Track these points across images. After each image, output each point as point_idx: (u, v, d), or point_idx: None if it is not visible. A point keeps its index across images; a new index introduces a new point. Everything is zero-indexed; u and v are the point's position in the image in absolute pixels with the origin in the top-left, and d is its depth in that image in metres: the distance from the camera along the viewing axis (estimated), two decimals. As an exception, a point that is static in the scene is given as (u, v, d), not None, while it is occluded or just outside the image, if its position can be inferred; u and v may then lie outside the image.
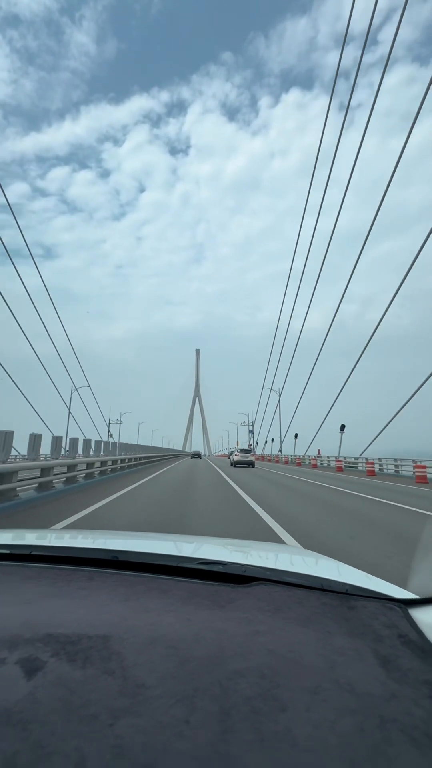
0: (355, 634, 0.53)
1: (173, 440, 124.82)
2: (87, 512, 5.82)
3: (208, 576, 0.73)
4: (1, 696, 0.39)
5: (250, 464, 24.31)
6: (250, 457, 24.61)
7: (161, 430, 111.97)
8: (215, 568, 0.74)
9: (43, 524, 4.91)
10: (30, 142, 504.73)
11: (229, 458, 52.36)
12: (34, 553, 0.84)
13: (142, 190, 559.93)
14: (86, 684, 0.41)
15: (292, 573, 0.75)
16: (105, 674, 0.42)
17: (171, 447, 77.34)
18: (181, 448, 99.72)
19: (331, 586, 0.69)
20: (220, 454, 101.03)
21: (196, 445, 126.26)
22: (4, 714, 0.37)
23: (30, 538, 1.10)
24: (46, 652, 0.46)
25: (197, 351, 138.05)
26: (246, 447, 27.75)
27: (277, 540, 4.15)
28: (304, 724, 0.37)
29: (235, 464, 24.20)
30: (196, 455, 58.95)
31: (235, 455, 24.96)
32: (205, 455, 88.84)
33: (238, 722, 0.37)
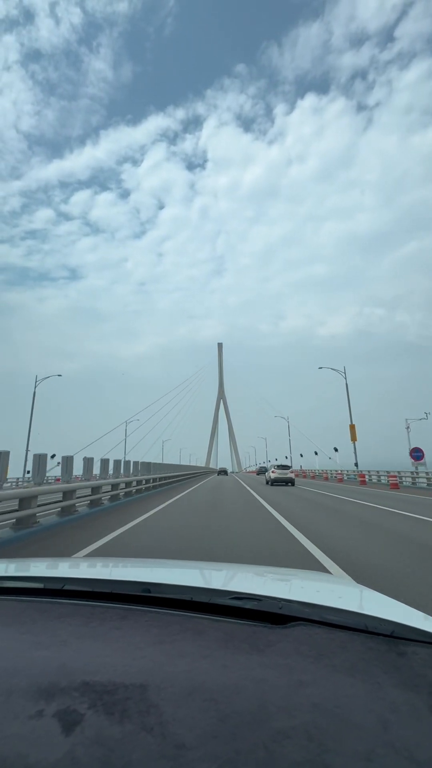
0: (408, 686, 0.50)
1: (197, 456, 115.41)
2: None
3: (243, 613, 0.71)
4: (41, 754, 0.38)
5: (290, 482, 22.04)
6: (289, 474, 22.28)
7: (184, 445, 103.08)
8: (249, 605, 0.72)
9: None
10: (53, 169, 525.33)
11: (257, 474, 50.92)
12: (66, 587, 0.84)
13: (161, 207, 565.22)
14: (125, 742, 0.40)
15: (333, 609, 0.72)
16: (144, 731, 0.41)
17: (195, 464, 72.97)
18: (204, 464, 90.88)
19: (375, 627, 0.65)
20: (249, 470, 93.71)
21: (223, 460, 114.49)
22: None
23: (62, 569, 1.10)
24: (83, 703, 0.45)
25: (219, 345, 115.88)
26: (285, 463, 25.17)
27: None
28: None
29: (272, 482, 21.93)
30: (223, 472, 58.87)
31: (272, 472, 22.68)
32: (232, 471, 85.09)
33: None
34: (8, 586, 0.88)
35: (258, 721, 0.43)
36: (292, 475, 22.61)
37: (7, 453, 6.36)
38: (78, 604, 0.76)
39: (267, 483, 22.92)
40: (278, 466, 23.63)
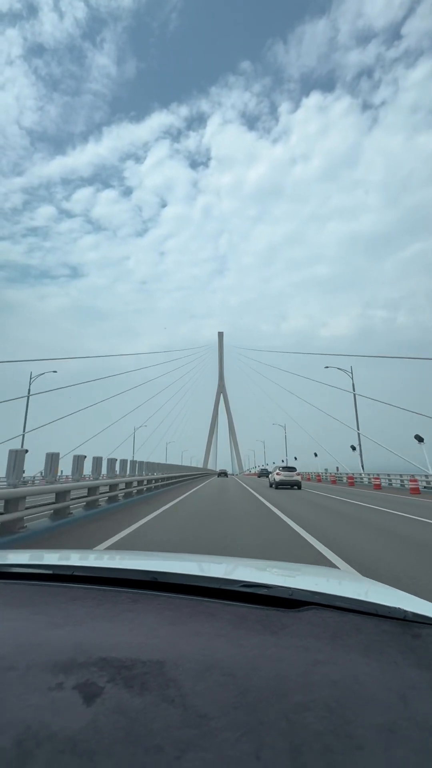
0: (424, 666, 0.51)
1: (191, 454, 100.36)
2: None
3: (253, 599, 0.72)
4: (64, 723, 0.39)
5: (295, 485, 20.08)
6: (295, 477, 20.14)
7: (180, 443, 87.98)
8: (260, 591, 0.73)
9: None
10: (56, 166, 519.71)
11: (258, 477, 48.42)
12: (76, 573, 0.85)
13: (163, 205, 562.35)
14: (147, 712, 0.41)
15: (343, 597, 0.73)
16: (164, 702, 0.42)
17: (191, 465, 65.26)
18: (202, 466, 79.41)
19: (389, 612, 0.66)
20: (247, 473, 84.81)
21: (222, 461, 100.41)
22: (68, 742, 0.37)
23: (72, 558, 1.12)
24: (102, 677, 0.46)
25: (220, 334, 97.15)
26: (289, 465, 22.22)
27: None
28: (385, 765, 0.36)
29: (277, 485, 19.99)
30: (223, 474, 57.04)
31: (277, 474, 20.55)
32: (232, 473, 78.75)
33: (312, 761, 0.35)
34: (18, 572, 0.90)
35: (277, 695, 0.44)
36: (299, 478, 20.53)
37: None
38: (89, 588, 0.77)
39: (271, 486, 21.08)
40: (283, 467, 21.54)
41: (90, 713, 0.40)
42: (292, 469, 21.03)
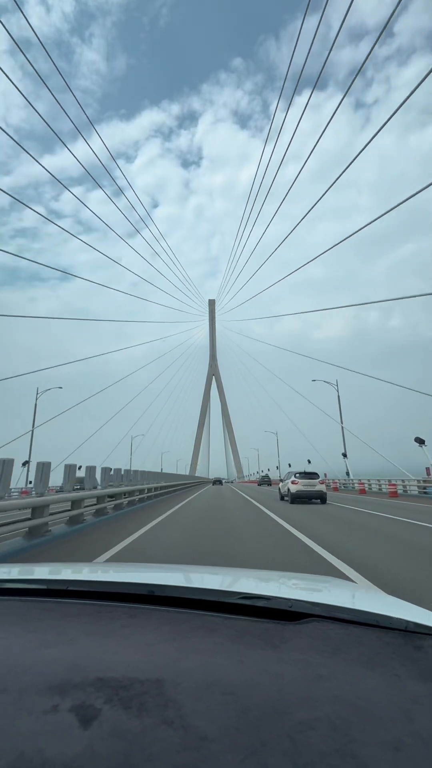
0: (427, 678, 0.51)
1: (172, 453, 78.76)
2: None
3: (252, 612, 0.72)
4: (59, 748, 0.38)
5: (319, 498, 14.87)
6: (318, 486, 14.88)
7: (166, 447, 70.88)
8: (259, 603, 0.73)
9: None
10: (44, 165, 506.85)
11: (258, 485, 43.68)
12: (70, 588, 0.84)
13: (155, 205, 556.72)
14: (145, 735, 0.40)
15: (344, 608, 0.73)
16: (163, 724, 0.41)
17: (178, 472, 52.62)
18: (189, 472, 66.98)
19: (390, 623, 0.66)
20: (242, 480, 72.22)
21: (215, 468, 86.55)
22: None
23: (65, 572, 1.11)
24: (99, 698, 0.46)
25: (211, 302, 77.78)
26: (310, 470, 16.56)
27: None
28: None
29: (293, 499, 14.81)
30: (218, 482, 54.64)
31: (293, 482, 15.14)
32: (228, 481, 70.01)
33: None
34: (11, 587, 0.89)
35: (279, 713, 0.43)
36: (323, 487, 15.10)
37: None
38: (84, 603, 0.76)
39: (282, 498, 16.46)
40: (302, 473, 15.75)
41: (86, 737, 0.39)
42: (313, 475, 15.56)
